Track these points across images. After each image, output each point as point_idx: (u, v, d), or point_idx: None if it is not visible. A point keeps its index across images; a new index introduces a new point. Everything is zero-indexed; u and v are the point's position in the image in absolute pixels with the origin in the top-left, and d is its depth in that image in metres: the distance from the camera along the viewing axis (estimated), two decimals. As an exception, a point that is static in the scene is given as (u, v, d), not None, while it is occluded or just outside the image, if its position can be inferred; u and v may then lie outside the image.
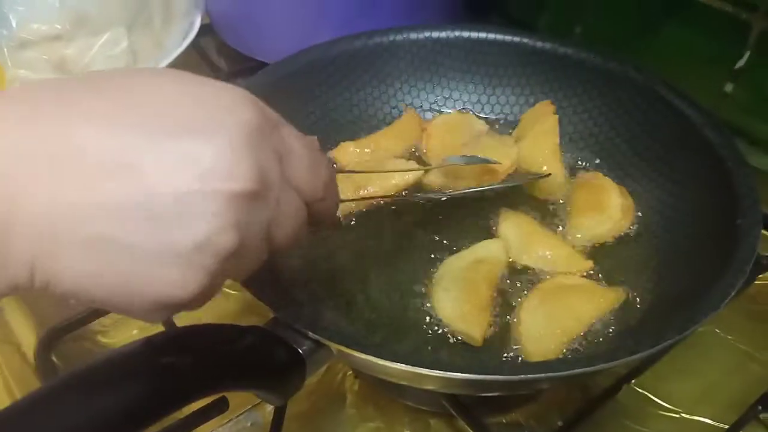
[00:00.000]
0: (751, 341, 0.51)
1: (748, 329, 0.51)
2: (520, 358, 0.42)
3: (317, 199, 0.32)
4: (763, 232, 0.50)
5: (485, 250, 0.48)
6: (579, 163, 0.55)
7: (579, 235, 0.50)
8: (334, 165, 0.55)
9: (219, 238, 0.25)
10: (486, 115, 0.60)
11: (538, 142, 0.54)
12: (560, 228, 0.51)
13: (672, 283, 0.44)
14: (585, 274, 0.47)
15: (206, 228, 0.25)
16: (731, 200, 0.42)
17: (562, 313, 0.43)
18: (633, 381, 0.45)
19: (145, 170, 0.24)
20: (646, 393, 0.47)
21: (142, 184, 0.24)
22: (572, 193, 0.53)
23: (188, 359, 0.27)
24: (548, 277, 0.47)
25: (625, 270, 0.47)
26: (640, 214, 0.51)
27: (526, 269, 0.48)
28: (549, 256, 0.48)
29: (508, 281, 0.47)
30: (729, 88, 0.61)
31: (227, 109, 0.27)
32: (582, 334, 0.43)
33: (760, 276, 0.51)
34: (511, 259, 0.48)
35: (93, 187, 0.24)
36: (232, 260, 0.27)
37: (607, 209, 0.50)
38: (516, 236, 0.49)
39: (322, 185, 0.32)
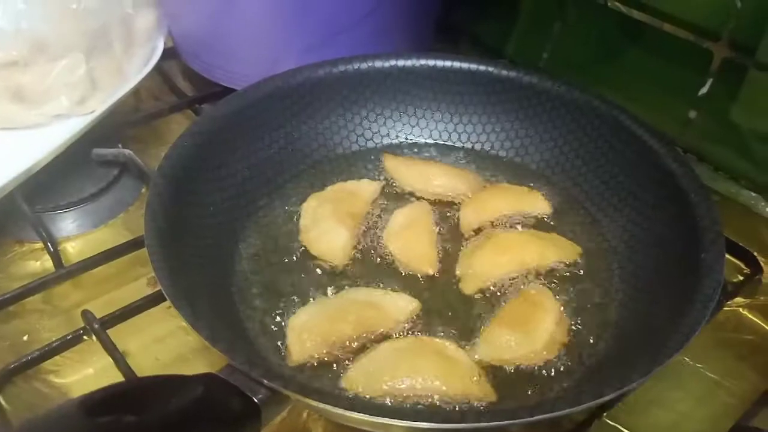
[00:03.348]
0: (720, 370, 0.50)
1: (717, 357, 0.51)
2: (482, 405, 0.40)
3: None
4: (729, 257, 0.50)
5: (390, 302, 0.46)
6: (546, 191, 0.55)
7: (485, 349, 0.43)
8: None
9: None
10: (453, 143, 0.59)
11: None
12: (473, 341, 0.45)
13: (636, 318, 0.43)
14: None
15: None
16: (694, 233, 0.42)
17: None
18: (605, 414, 0.45)
19: None
20: (619, 426, 0.46)
21: None
22: (507, 302, 0.47)
23: (131, 418, 0.26)
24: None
25: (588, 302, 0.47)
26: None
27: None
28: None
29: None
30: (693, 114, 0.61)
31: None
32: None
33: (728, 303, 0.51)
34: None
35: None
36: None
37: (533, 332, 0.44)
38: None
39: None
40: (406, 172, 0.56)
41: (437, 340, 0.43)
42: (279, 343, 0.43)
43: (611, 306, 0.46)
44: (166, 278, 0.37)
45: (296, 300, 0.46)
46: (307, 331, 0.43)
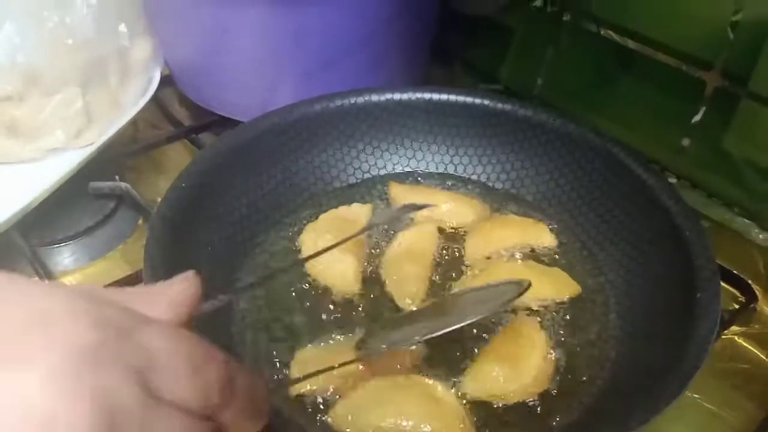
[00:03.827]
0: (717, 400, 0.50)
1: (715, 387, 0.51)
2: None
3: (215, 407, 0.26)
4: (723, 285, 0.51)
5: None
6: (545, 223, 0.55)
7: (473, 386, 0.43)
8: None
9: None
10: (449, 174, 0.59)
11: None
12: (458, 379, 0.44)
13: (633, 355, 0.43)
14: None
15: None
16: (690, 271, 0.42)
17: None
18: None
19: None
20: (615, 459, 0.46)
21: None
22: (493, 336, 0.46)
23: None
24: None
25: (583, 338, 0.47)
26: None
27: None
28: None
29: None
30: (686, 142, 0.62)
31: (49, 328, 0.22)
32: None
33: (725, 332, 0.52)
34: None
35: None
36: None
37: (521, 365, 0.43)
38: None
39: (217, 388, 0.25)
40: (411, 199, 0.55)
41: (426, 380, 0.43)
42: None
43: (608, 343, 0.46)
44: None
45: (295, 337, 0.46)
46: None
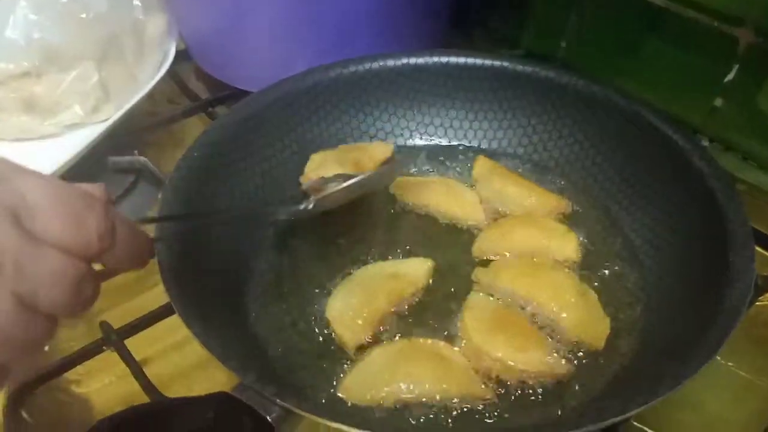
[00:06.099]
0: (751, 367, 0.49)
1: (749, 354, 0.49)
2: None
3: (95, 251, 0.28)
4: (759, 250, 0.48)
5: (407, 267, 0.47)
6: (564, 189, 0.54)
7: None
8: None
9: None
10: (469, 141, 0.58)
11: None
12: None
13: (663, 322, 0.42)
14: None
15: None
16: (722, 234, 0.40)
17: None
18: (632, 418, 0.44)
19: None
20: (646, 429, 0.45)
21: None
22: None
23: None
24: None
25: (612, 301, 0.45)
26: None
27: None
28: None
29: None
30: (718, 102, 0.59)
31: None
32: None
33: (760, 298, 0.50)
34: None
35: None
36: None
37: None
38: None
39: (95, 235, 0.28)
40: (491, 177, 0.54)
41: (430, 341, 0.43)
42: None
43: (636, 310, 0.44)
44: (177, 296, 0.37)
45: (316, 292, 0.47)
46: (349, 317, 0.44)
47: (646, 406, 0.31)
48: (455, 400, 0.39)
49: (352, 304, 0.44)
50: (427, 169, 0.56)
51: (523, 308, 0.45)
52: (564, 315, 0.43)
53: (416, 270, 0.47)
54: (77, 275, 0.28)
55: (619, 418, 0.31)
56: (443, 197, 0.52)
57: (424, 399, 0.40)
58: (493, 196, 0.52)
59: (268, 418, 0.31)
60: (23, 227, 0.25)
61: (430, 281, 0.47)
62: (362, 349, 0.43)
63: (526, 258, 0.48)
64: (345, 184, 0.44)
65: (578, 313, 0.43)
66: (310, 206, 0.44)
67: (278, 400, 0.31)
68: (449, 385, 0.40)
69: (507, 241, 0.49)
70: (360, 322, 0.43)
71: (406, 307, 0.45)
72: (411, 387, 0.39)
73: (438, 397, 0.39)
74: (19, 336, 0.25)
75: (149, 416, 0.28)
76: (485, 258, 0.49)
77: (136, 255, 0.33)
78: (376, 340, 0.43)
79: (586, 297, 0.45)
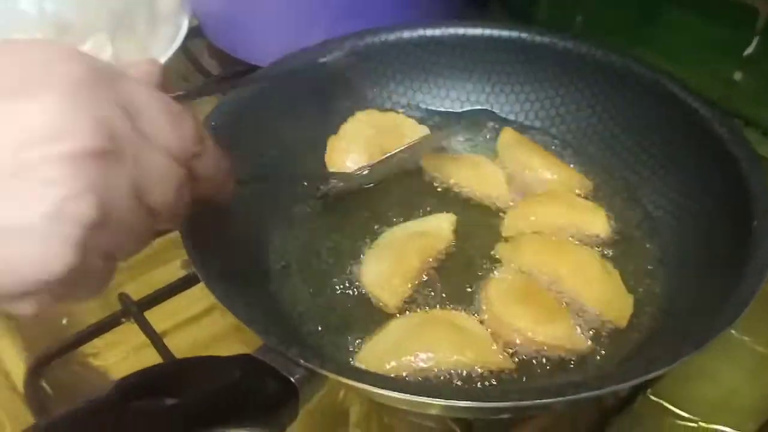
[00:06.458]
0: (768, 342, 0.49)
1: (766, 329, 0.49)
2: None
3: (190, 154, 0.30)
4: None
5: (432, 223, 0.48)
6: (582, 162, 0.53)
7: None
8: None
9: (73, 205, 0.24)
10: (486, 109, 0.57)
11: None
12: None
13: (684, 289, 0.42)
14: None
15: (53, 195, 0.23)
16: (745, 201, 0.40)
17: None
18: (649, 390, 0.44)
19: None
20: (663, 402, 0.45)
21: None
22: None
23: (167, 401, 0.25)
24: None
25: (632, 273, 0.45)
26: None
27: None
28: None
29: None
30: (738, 76, 0.59)
31: (51, 66, 0.25)
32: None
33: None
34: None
35: None
36: (102, 231, 0.25)
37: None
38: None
39: (191, 139, 0.30)
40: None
41: (448, 311, 0.43)
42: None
43: (657, 278, 0.44)
44: (199, 261, 0.37)
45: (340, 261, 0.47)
46: (385, 278, 0.44)
47: (669, 367, 0.31)
48: (477, 369, 0.39)
49: (385, 266, 0.45)
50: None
51: (545, 285, 0.44)
52: (587, 292, 0.43)
53: (441, 225, 0.48)
54: (179, 178, 0.29)
55: (641, 379, 0.31)
56: (470, 173, 0.52)
57: (443, 367, 0.39)
58: (517, 168, 0.52)
59: (291, 379, 0.31)
60: (136, 125, 0.27)
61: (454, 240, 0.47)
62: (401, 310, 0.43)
63: (549, 235, 0.48)
64: (385, 156, 0.46)
65: (602, 291, 0.43)
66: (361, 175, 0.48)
67: (302, 361, 0.31)
68: (468, 354, 0.40)
69: (537, 218, 0.48)
70: (396, 281, 0.44)
71: (435, 265, 0.46)
72: (429, 355, 0.39)
73: (456, 367, 0.39)
74: (133, 225, 0.27)
75: (174, 373, 0.28)
76: (513, 236, 0.49)
77: (222, 170, 0.34)
78: (413, 301, 0.44)
79: (610, 275, 0.44)
